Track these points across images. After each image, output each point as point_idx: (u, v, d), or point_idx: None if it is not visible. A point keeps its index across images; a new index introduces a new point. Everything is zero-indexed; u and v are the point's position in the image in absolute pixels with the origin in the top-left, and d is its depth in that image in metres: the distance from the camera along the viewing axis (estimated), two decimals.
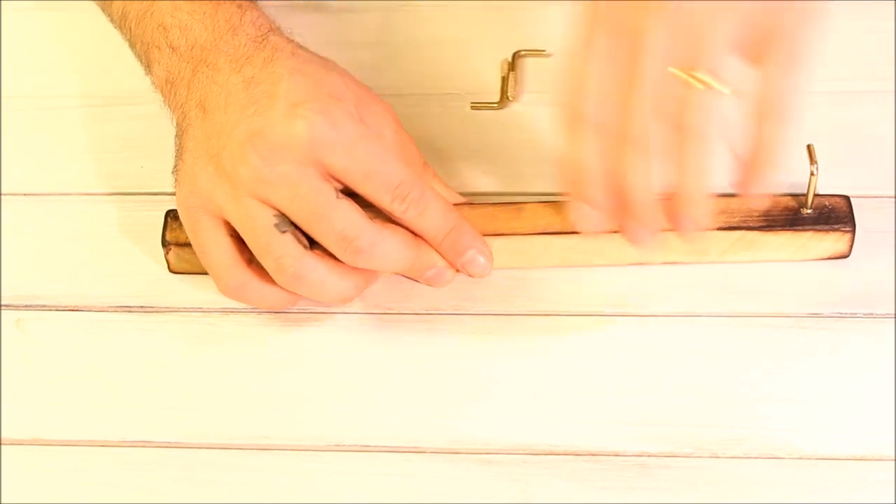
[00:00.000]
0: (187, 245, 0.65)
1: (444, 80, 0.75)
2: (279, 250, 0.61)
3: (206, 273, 0.64)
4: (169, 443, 0.62)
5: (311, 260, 0.61)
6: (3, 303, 0.66)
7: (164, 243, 0.66)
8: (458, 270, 0.64)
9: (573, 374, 0.63)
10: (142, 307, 0.66)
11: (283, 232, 0.60)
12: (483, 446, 0.61)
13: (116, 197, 0.70)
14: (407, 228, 0.63)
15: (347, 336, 0.65)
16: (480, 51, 0.76)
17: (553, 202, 0.66)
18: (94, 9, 0.79)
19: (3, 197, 0.70)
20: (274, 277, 0.61)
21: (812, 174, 0.64)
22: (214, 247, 0.62)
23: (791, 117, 0.57)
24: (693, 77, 0.56)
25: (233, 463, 0.61)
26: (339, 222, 0.60)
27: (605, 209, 0.60)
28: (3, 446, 0.62)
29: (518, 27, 0.77)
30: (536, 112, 0.73)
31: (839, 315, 0.64)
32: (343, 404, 0.63)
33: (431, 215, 0.63)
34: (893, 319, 0.64)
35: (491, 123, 0.73)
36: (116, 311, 0.66)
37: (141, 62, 0.67)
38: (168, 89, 0.65)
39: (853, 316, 0.64)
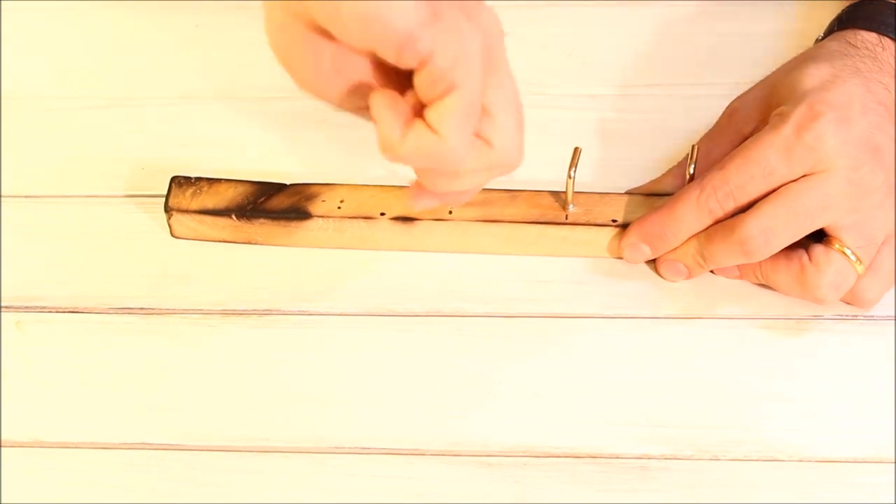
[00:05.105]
0: (188, 211, 0.67)
1: None
2: None
3: (206, 240, 0.67)
4: (169, 445, 0.62)
5: None
6: (3, 304, 0.66)
7: (167, 209, 0.67)
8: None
9: (573, 376, 0.63)
10: (142, 309, 0.66)
11: None
12: (483, 448, 0.61)
13: (116, 198, 0.70)
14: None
15: (347, 337, 0.65)
16: None
17: (546, 191, 0.67)
18: (95, 9, 0.79)
19: (3, 198, 0.70)
20: None
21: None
22: None
23: None
24: None
25: (233, 465, 0.61)
26: None
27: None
28: (3, 448, 0.62)
29: (518, 27, 0.77)
30: (536, 111, 0.73)
31: (840, 317, 0.64)
32: (343, 406, 0.63)
33: None
34: (893, 321, 0.64)
35: None
36: (117, 313, 0.66)
37: None
38: None
39: (853, 318, 0.64)
